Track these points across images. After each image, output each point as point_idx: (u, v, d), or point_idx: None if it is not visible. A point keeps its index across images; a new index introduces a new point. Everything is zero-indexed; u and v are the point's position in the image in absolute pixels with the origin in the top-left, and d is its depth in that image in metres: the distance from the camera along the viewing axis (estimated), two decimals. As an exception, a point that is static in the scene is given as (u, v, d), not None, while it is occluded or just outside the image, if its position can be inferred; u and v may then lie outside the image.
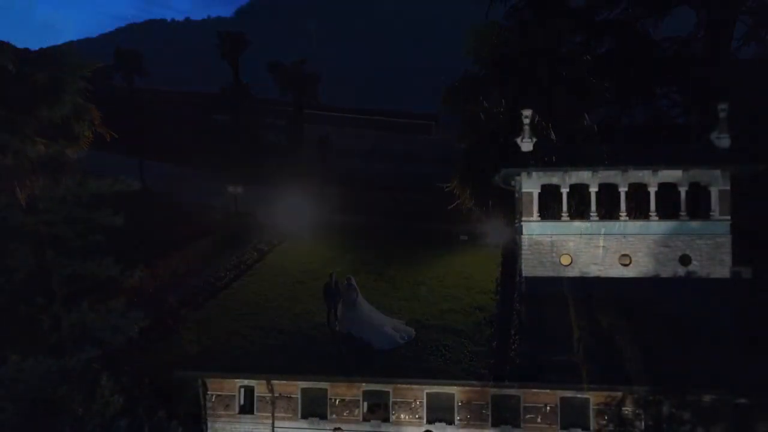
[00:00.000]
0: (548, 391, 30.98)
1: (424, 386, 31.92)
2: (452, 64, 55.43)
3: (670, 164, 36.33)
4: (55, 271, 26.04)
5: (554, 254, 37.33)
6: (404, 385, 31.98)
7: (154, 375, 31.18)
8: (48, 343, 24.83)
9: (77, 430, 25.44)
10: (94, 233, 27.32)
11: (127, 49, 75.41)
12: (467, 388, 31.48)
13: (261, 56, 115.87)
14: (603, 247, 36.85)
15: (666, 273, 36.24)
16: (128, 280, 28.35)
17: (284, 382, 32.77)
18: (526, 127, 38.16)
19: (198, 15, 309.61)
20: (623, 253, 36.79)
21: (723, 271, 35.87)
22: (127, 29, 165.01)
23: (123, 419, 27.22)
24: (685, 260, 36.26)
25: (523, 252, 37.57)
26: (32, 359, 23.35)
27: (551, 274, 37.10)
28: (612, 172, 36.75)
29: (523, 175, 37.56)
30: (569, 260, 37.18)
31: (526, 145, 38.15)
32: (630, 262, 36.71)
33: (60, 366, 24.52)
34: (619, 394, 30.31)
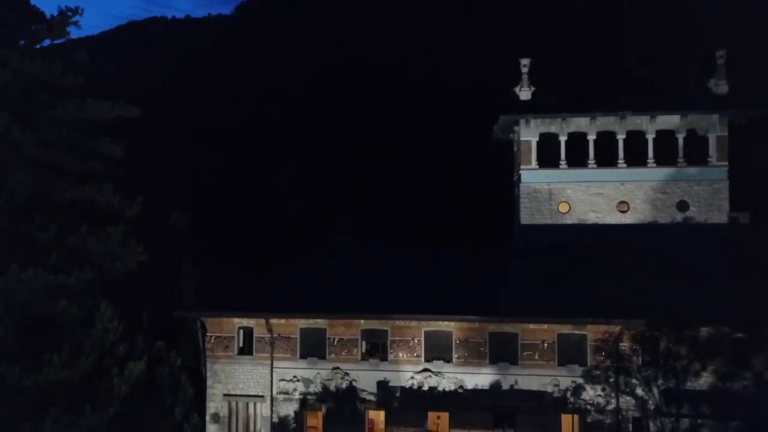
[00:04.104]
0: (545, 327, 30.99)
1: (422, 324, 31.86)
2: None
3: (669, 110, 36.38)
4: (54, 194, 26.12)
5: (552, 202, 37.39)
6: (402, 323, 31.92)
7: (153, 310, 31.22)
8: (47, 262, 24.82)
9: (76, 352, 25.45)
10: (93, 160, 27.42)
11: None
12: (465, 325, 31.44)
13: (261, 54, 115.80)
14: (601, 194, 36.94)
15: (664, 219, 36.31)
16: (128, 210, 28.35)
17: (283, 321, 32.74)
18: (525, 76, 38.21)
19: (198, 13, 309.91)
20: (621, 200, 36.86)
21: (721, 216, 35.95)
22: (127, 27, 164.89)
23: (122, 344, 27.27)
24: (682, 206, 36.31)
25: (521, 200, 37.62)
26: (31, 270, 23.34)
27: (549, 221, 37.17)
28: (610, 119, 36.76)
29: (522, 123, 37.59)
30: (567, 208, 37.23)
31: (525, 93, 38.22)
32: (628, 209, 36.76)
33: (59, 283, 24.53)
34: (617, 329, 30.29)
